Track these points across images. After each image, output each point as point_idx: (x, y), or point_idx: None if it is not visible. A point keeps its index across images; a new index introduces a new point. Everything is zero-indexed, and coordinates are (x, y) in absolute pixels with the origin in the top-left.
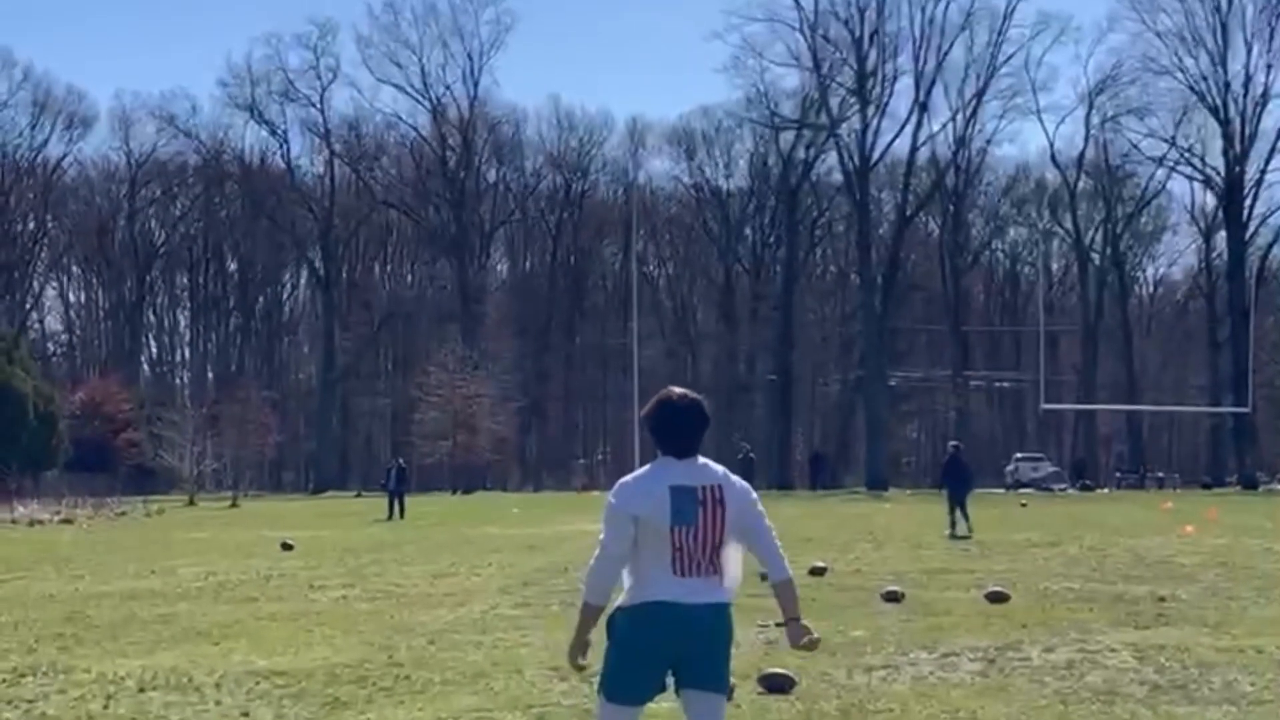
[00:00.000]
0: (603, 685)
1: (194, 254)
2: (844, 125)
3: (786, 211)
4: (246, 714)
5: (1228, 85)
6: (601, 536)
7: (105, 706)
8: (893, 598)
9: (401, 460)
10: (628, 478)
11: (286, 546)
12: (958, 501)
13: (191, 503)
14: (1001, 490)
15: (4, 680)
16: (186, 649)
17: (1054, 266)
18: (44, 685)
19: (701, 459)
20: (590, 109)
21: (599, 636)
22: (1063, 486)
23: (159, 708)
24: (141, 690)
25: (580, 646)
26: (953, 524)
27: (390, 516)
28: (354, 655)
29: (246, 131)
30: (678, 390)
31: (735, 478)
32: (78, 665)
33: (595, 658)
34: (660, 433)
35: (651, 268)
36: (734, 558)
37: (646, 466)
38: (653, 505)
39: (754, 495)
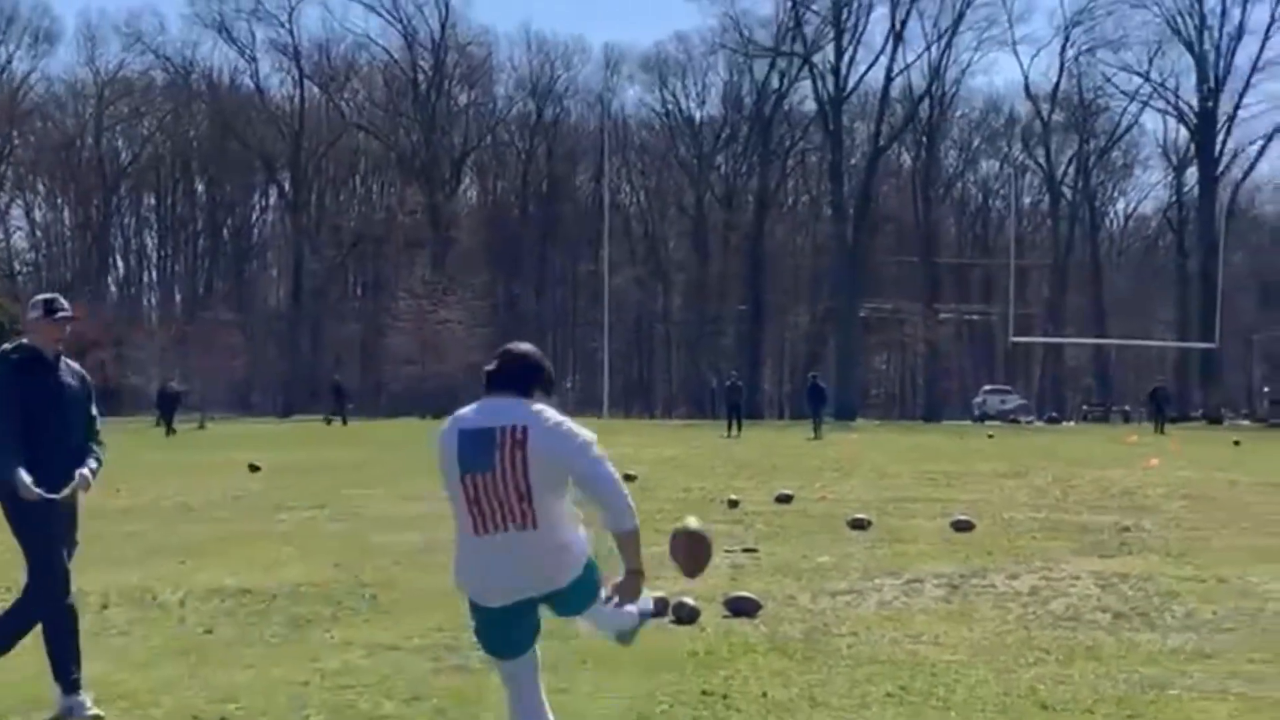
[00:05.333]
0: None
1: (161, 174)
2: (818, 54)
3: (760, 141)
4: (210, 631)
5: (1203, 19)
6: None
7: None
8: (859, 525)
9: (338, 377)
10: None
11: (254, 468)
12: (816, 417)
13: (158, 424)
14: (969, 422)
15: None
16: (152, 567)
17: (1025, 200)
18: (3, 599)
19: (514, 398)
20: (563, 35)
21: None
22: (1030, 419)
23: (123, 623)
24: (104, 607)
25: None
26: (815, 430)
27: (329, 421)
28: (321, 575)
29: (215, 51)
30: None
31: (552, 419)
32: None
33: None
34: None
35: (624, 196)
36: (564, 518)
37: None
38: (445, 454)
39: (580, 440)
